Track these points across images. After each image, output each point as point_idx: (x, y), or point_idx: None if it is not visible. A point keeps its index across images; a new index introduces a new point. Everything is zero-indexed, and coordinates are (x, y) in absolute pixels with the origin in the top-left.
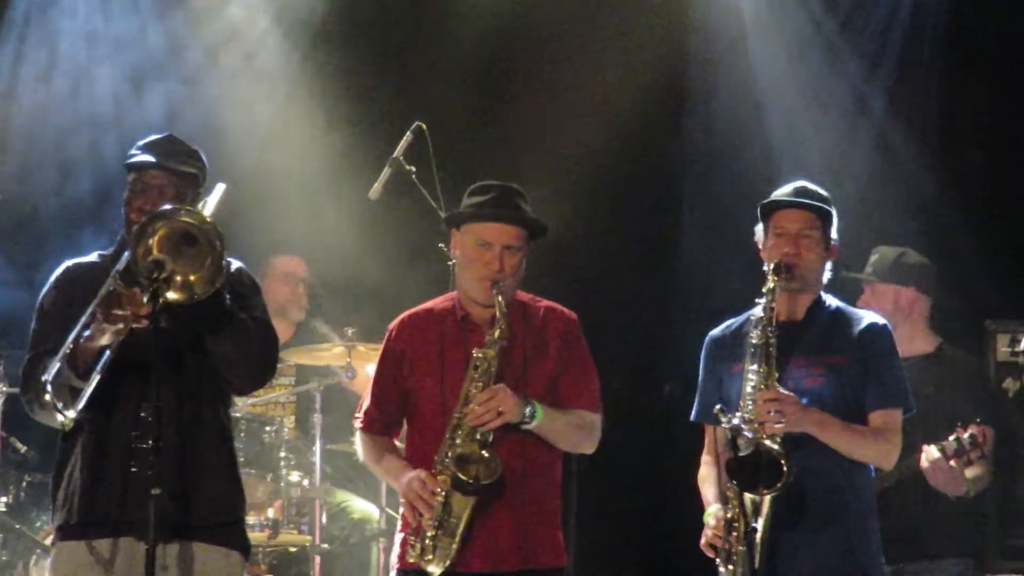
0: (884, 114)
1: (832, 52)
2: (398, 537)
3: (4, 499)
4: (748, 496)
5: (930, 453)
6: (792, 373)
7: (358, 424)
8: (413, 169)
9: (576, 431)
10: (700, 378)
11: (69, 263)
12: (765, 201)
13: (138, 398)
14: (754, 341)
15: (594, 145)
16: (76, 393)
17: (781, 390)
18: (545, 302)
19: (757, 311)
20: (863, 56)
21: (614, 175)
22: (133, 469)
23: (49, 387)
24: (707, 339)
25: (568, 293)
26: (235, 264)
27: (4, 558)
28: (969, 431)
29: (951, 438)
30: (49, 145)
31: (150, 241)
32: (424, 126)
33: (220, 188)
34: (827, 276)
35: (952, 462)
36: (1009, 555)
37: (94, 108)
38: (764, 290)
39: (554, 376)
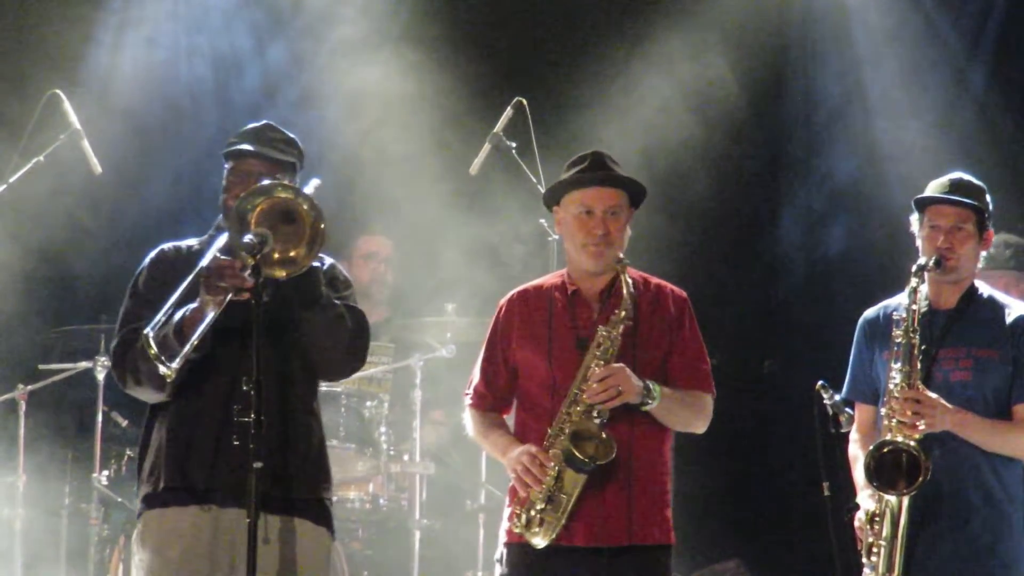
0: (984, 91)
1: (931, 28)
2: (506, 511)
3: (106, 473)
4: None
5: None
6: (942, 364)
7: (467, 401)
8: (513, 145)
9: (691, 412)
10: (852, 356)
11: (165, 246)
12: (919, 196)
13: (233, 371)
14: (898, 340)
15: (696, 120)
16: (174, 354)
17: (924, 391)
18: (656, 280)
19: (902, 304)
20: (963, 33)
21: (717, 149)
22: (236, 442)
23: (152, 339)
24: (862, 319)
25: (668, 267)
26: (328, 260)
27: (106, 532)
28: None
29: None
30: (151, 121)
31: (250, 217)
32: (524, 101)
33: (315, 183)
34: (980, 264)
35: None
36: None
37: (195, 82)
38: (907, 290)
39: (663, 355)
